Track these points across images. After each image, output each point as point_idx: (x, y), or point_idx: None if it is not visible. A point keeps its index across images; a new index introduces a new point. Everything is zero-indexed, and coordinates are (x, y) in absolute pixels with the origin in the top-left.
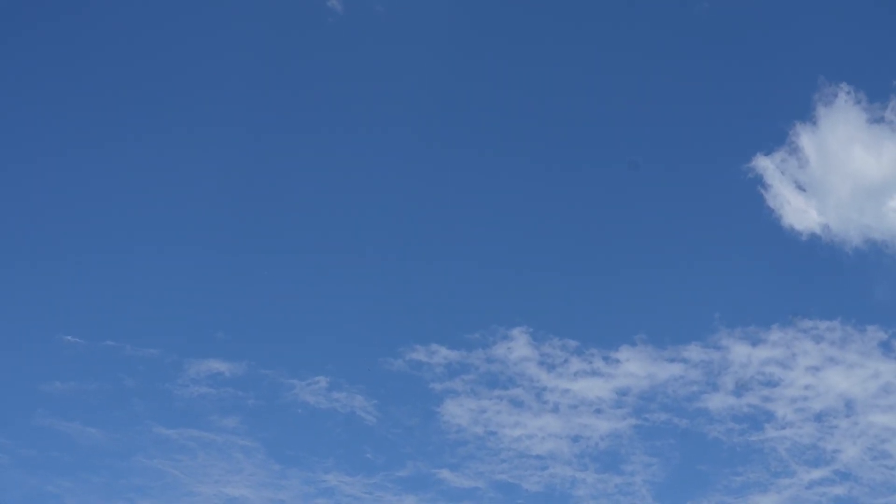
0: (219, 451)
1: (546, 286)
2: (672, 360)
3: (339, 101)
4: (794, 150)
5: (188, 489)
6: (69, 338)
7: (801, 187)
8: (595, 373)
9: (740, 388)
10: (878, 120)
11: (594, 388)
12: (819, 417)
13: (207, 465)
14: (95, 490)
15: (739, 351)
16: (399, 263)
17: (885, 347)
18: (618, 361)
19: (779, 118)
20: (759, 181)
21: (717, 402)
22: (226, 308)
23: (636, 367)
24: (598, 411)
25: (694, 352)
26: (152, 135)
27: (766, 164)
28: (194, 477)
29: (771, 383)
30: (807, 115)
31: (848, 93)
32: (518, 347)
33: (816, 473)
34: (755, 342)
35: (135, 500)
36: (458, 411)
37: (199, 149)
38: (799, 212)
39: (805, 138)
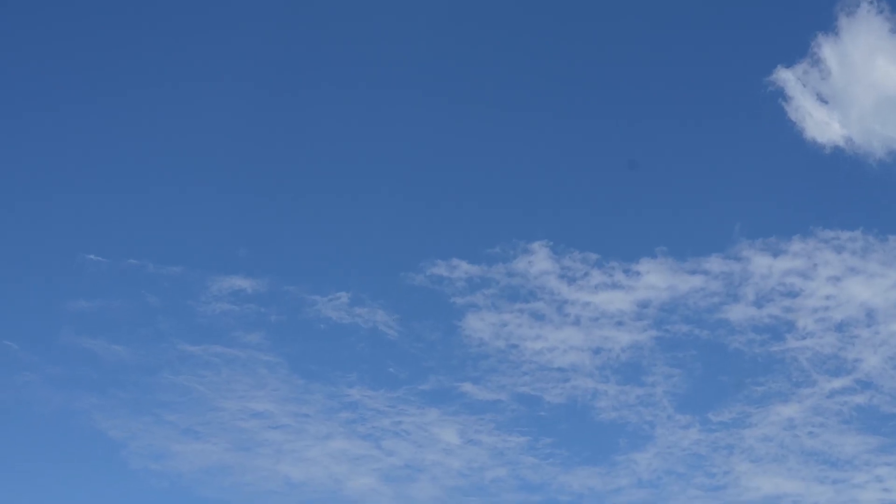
0: (243, 366)
1: (566, 200)
2: (693, 272)
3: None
4: (816, 62)
5: (213, 404)
6: (92, 256)
7: (822, 99)
8: (616, 285)
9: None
10: None
11: (615, 301)
12: (840, 327)
13: (232, 381)
14: (122, 406)
15: (760, 262)
16: (420, 178)
17: None
18: (638, 274)
19: (800, 29)
20: (780, 94)
21: (738, 313)
22: (248, 225)
23: (657, 279)
24: (619, 324)
25: (715, 263)
26: (175, 56)
27: (787, 77)
28: (219, 392)
29: (792, 294)
30: (829, 25)
31: (870, 2)
32: (539, 261)
33: (837, 383)
34: (776, 253)
35: (161, 416)
36: (479, 325)
37: (223, 75)
38: (821, 124)
39: (827, 49)
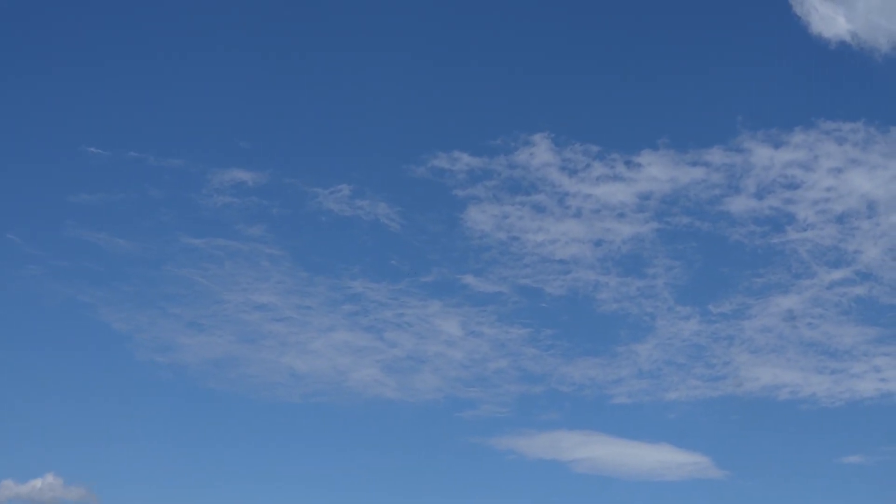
0: (245, 259)
1: (567, 91)
2: (694, 164)
3: None
4: None
5: (217, 297)
6: (92, 149)
7: None
8: (617, 177)
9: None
10: None
11: (616, 193)
12: (840, 219)
13: (235, 274)
14: (127, 299)
15: (762, 153)
16: (419, 70)
17: None
18: (640, 165)
19: None
20: None
21: (738, 204)
22: (248, 117)
23: (658, 170)
24: (621, 215)
25: (716, 155)
26: None
27: None
28: (223, 285)
29: (793, 185)
30: None
31: None
32: (540, 153)
33: (837, 274)
34: (777, 144)
35: (166, 308)
36: (481, 217)
37: None
38: (827, 19)
39: None
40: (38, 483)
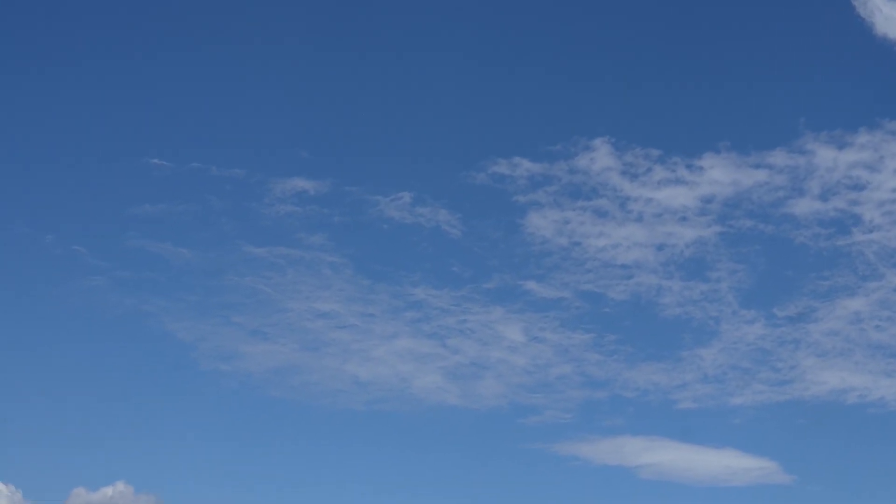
0: (307, 267)
1: (627, 94)
2: (757, 166)
3: None
4: None
5: (280, 305)
6: (156, 161)
7: None
8: (679, 181)
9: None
10: None
11: (678, 196)
12: None
13: (297, 282)
14: (191, 308)
15: (825, 155)
16: (478, 75)
17: None
18: (702, 169)
19: None
20: None
21: (803, 206)
22: (308, 126)
23: (720, 173)
24: (683, 219)
25: (779, 157)
26: None
27: None
28: (285, 293)
29: (858, 187)
30: None
31: None
32: (600, 157)
33: None
34: (842, 145)
35: (229, 317)
36: (541, 223)
37: None
38: (891, 20)
39: None
40: (109, 491)
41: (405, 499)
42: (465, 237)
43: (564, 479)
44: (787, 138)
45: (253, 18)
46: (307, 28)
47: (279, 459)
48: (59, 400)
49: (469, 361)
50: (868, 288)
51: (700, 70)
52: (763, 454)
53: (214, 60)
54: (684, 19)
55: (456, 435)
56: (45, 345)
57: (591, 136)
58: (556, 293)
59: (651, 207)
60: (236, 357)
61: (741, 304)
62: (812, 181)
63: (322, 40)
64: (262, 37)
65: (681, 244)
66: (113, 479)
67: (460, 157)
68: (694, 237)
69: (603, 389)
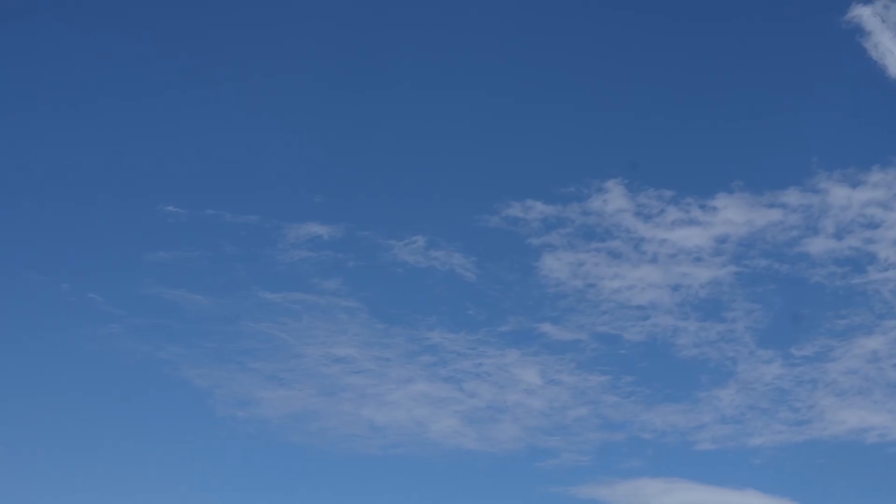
0: (322, 312)
1: (639, 136)
2: (770, 206)
3: None
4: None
5: (296, 351)
6: (170, 208)
7: None
8: (692, 221)
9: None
10: None
11: (692, 237)
12: None
13: (313, 327)
14: (206, 355)
15: (839, 193)
16: (489, 119)
17: None
18: (715, 209)
19: None
20: (858, 31)
21: (817, 245)
22: (321, 172)
23: (734, 213)
24: (698, 259)
25: (792, 196)
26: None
27: (864, 13)
28: (301, 339)
29: (872, 225)
30: None
31: None
32: (613, 199)
33: None
34: (855, 184)
35: (245, 363)
36: (556, 265)
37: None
38: None
39: None
40: None
41: None
42: (480, 280)
43: None
44: (801, 177)
45: (263, 63)
46: (318, 70)
47: None
48: (74, 449)
49: (486, 405)
50: (885, 326)
51: (711, 110)
52: (784, 494)
53: (226, 106)
54: (693, 61)
55: (473, 479)
56: (59, 394)
57: (603, 178)
58: (571, 335)
59: (665, 248)
60: (253, 403)
61: (758, 343)
62: (826, 220)
63: (334, 82)
64: (272, 80)
65: (696, 285)
66: None
67: (473, 199)
68: (709, 277)
69: (620, 431)
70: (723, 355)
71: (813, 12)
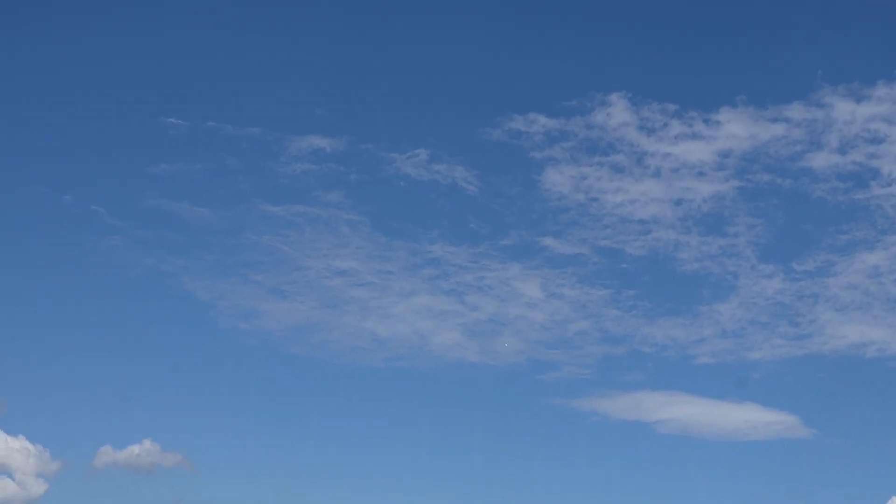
0: (325, 225)
1: (642, 49)
2: (774, 120)
3: None
4: None
5: (298, 263)
6: (172, 120)
7: None
8: (696, 135)
9: None
10: None
11: (695, 151)
12: None
13: (315, 240)
14: (209, 267)
15: (843, 108)
16: (494, 32)
17: None
18: (718, 123)
19: None
20: None
21: (820, 160)
22: (324, 84)
23: (737, 128)
24: (700, 174)
25: (796, 111)
26: None
27: None
28: (303, 251)
29: (876, 140)
30: None
31: None
32: (617, 113)
33: None
34: (860, 98)
35: (248, 276)
36: (558, 179)
37: None
38: None
39: None
40: (136, 449)
41: (424, 454)
42: (482, 194)
43: (583, 435)
44: (805, 92)
45: None
46: None
47: (299, 416)
48: (81, 360)
49: (487, 318)
50: (887, 241)
51: (716, 24)
52: (783, 408)
53: (228, 19)
54: None
55: (475, 391)
56: (65, 305)
57: (607, 92)
58: (573, 249)
59: (668, 162)
60: (255, 315)
61: (759, 258)
62: (830, 135)
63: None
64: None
65: (698, 199)
66: (139, 438)
67: (476, 113)
68: (711, 192)
69: (621, 345)
70: (724, 270)
71: None
